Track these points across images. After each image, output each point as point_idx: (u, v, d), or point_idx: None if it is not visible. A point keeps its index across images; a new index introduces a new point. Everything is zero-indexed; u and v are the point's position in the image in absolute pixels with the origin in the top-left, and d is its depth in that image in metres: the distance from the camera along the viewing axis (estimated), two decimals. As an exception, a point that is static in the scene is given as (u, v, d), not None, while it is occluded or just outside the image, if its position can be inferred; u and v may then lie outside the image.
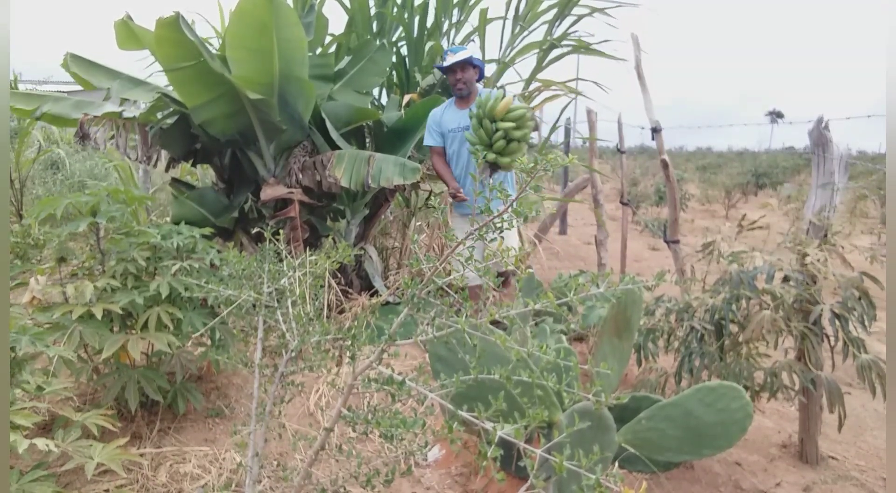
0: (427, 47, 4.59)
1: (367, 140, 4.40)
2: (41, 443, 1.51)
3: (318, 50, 4.32)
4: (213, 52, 3.62)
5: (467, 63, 3.42)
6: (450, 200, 3.49)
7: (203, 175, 6.17)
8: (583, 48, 4.83)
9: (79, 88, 4.05)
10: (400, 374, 1.31)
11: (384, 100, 4.98)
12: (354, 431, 1.44)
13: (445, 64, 3.43)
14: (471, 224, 3.17)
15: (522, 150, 3.09)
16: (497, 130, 3.00)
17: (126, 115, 3.61)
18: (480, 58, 4.14)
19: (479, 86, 3.63)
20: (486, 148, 3.05)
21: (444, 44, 4.79)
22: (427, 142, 3.54)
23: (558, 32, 4.91)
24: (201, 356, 2.57)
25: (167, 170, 4.17)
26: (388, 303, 4.03)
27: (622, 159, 4.92)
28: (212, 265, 2.50)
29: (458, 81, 3.42)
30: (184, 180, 4.55)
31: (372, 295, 4.10)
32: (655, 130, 3.82)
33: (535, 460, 1.09)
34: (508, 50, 5.03)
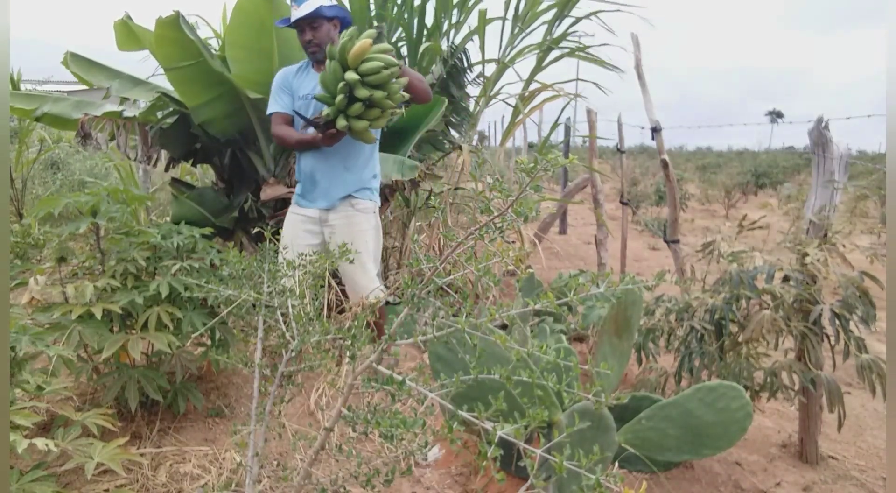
0: (423, 47, 4.59)
1: (367, 140, 4.39)
2: (41, 443, 1.51)
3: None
4: (214, 52, 3.62)
5: (318, 17, 2.56)
6: (295, 196, 2.88)
7: (203, 175, 6.17)
8: (581, 51, 4.83)
9: (79, 86, 4.06)
10: (400, 374, 1.31)
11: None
12: (354, 431, 1.44)
13: (292, 19, 2.61)
14: (317, 225, 2.72)
15: (385, 116, 2.40)
16: (344, 81, 2.27)
17: (126, 114, 3.61)
18: (337, 2, 3.15)
19: None
20: (329, 99, 2.37)
21: (444, 44, 4.79)
22: (271, 108, 2.74)
23: (558, 33, 4.92)
24: (201, 356, 2.57)
25: (167, 170, 4.17)
26: (388, 303, 4.03)
27: (622, 159, 4.92)
28: (212, 265, 2.50)
29: (309, 43, 2.62)
30: (184, 180, 4.55)
31: (372, 295, 4.09)
32: (655, 130, 3.82)
33: (535, 460, 1.09)
34: (508, 50, 5.03)
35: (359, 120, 2.34)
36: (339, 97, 2.29)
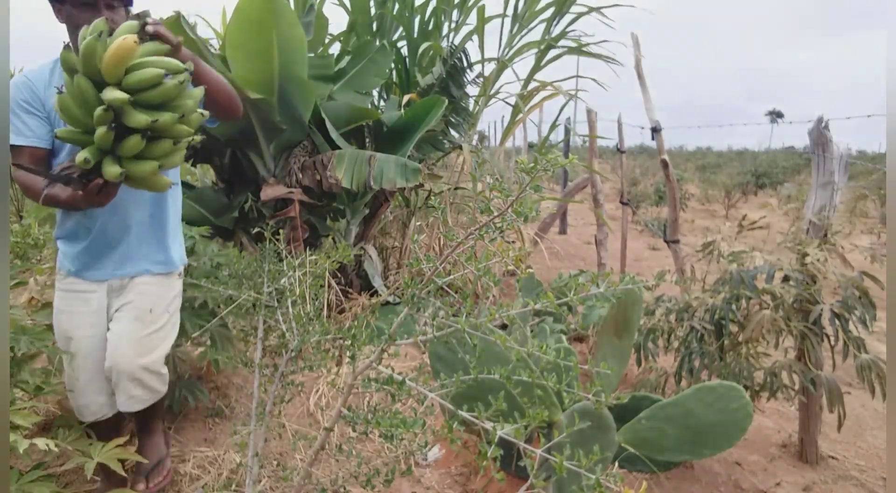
0: (423, 47, 4.59)
1: (367, 140, 4.40)
2: (41, 442, 1.52)
3: (320, 49, 4.33)
4: (214, 52, 3.62)
5: None
6: (66, 266, 1.90)
7: (203, 175, 6.17)
8: (580, 48, 4.84)
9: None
10: (400, 374, 1.32)
11: (384, 101, 4.98)
12: (354, 431, 1.44)
13: None
14: (104, 305, 1.94)
15: (181, 149, 1.54)
16: (105, 106, 1.40)
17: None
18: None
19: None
20: (83, 136, 1.47)
21: (444, 44, 4.79)
22: (13, 140, 1.72)
23: (556, 31, 4.92)
24: (201, 356, 2.57)
25: (167, 170, 4.17)
26: (387, 303, 4.03)
27: (622, 159, 4.92)
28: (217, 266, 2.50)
29: (76, 27, 1.64)
30: (183, 180, 4.55)
31: (372, 295, 4.10)
32: (655, 130, 3.82)
33: (535, 460, 1.09)
34: (507, 50, 5.03)
35: (140, 161, 1.47)
36: (100, 130, 1.40)
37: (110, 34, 1.43)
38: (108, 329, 1.90)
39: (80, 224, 1.86)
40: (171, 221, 2.00)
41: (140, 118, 1.40)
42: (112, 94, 1.37)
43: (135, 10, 1.73)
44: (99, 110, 1.38)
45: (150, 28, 1.47)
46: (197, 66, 1.66)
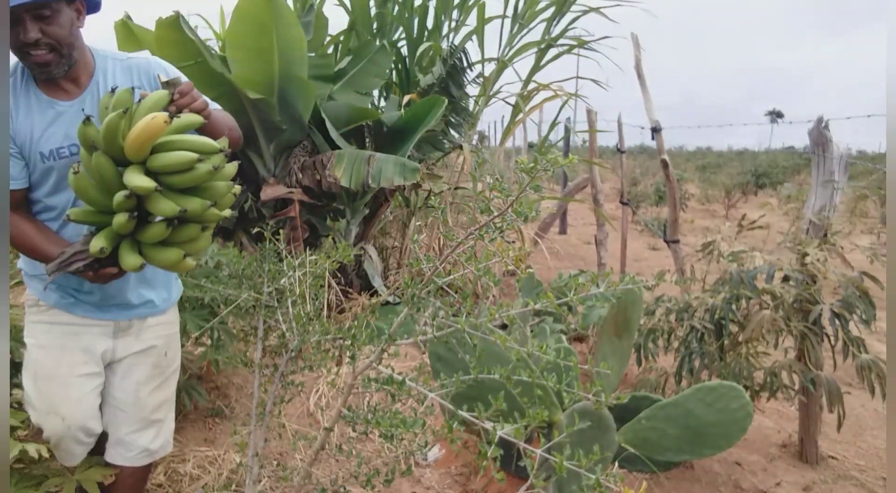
0: (423, 47, 4.59)
1: (367, 140, 4.40)
2: (32, 448, 1.48)
3: (319, 49, 4.33)
4: (214, 52, 3.62)
5: (45, 5, 1.34)
6: (50, 297, 1.56)
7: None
8: (580, 47, 4.84)
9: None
10: (400, 374, 1.32)
11: (383, 102, 4.98)
12: (354, 431, 1.44)
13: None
14: (109, 347, 1.60)
15: (207, 235, 1.38)
16: (128, 192, 1.25)
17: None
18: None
19: (91, 45, 1.53)
20: (99, 216, 1.32)
21: (444, 44, 4.79)
22: None
23: (557, 31, 4.92)
24: (201, 357, 2.57)
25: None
26: (387, 303, 4.03)
27: (622, 159, 4.92)
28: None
29: (31, 47, 1.36)
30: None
31: (372, 295, 4.10)
32: (655, 130, 3.82)
33: (535, 460, 1.09)
34: (507, 49, 5.03)
35: (163, 249, 1.33)
36: (121, 218, 1.25)
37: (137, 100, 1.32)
38: (112, 374, 1.63)
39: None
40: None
41: (167, 207, 1.25)
42: (137, 180, 1.22)
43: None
44: (120, 196, 1.23)
45: (180, 101, 1.34)
46: (211, 117, 1.45)
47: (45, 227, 1.49)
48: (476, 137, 6.44)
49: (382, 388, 1.32)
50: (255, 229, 2.59)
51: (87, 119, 1.25)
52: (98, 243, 1.26)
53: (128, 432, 1.64)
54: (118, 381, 1.63)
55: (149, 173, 1.25)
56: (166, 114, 1.24)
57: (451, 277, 1.36)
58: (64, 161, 1.45)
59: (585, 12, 4.85)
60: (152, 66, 1.56)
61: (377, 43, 4.27)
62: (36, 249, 1.43)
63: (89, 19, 1.49)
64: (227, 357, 2.45)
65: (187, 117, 1.33)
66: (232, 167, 1.37)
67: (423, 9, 4.67)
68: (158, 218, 1.29)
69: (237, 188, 1.38)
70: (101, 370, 1.60)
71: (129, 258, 1.29)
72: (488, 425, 1.14)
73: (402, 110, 4.41)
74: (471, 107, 4.78)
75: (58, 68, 1.41)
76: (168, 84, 1.34)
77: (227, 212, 1.36)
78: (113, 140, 1.25)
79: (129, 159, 1.25)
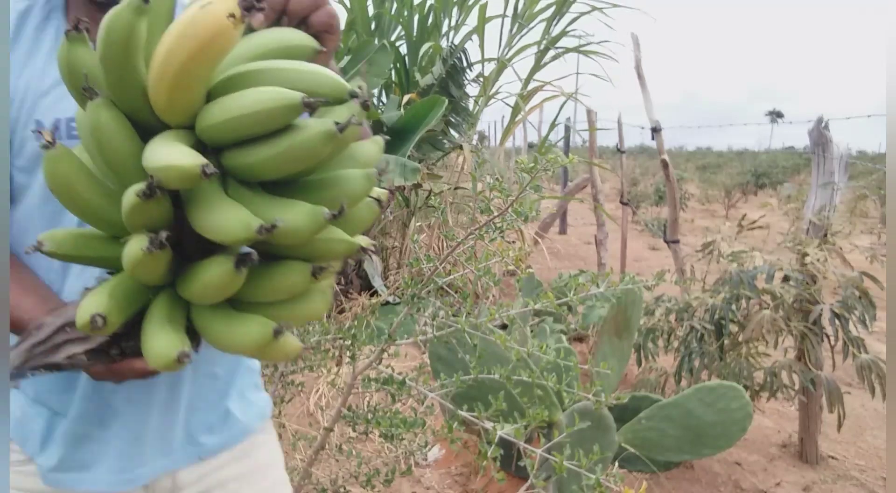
0: (423, 47, 4.59)
1: (367, 140, 4.40)
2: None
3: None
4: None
5: None
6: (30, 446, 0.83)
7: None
8: (579, 47, 4.84)
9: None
10: (400, 374, 1.32)
11: (383, 99, 4.98)
12: (354, 431, 1.44)
13: None
14: None
15: (321, 291, 0.66)
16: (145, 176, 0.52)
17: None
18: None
19: None
20: (100, 245, 0.63)
21: (444, 44, 4.79)
22: None
23: (556, 31, 4.92)
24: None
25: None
26: (387, 303, 4.03)
27: (622, 159, 4.92)
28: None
29: None
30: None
31: (372, 295, 4.10)
32: (655, 130, 3.82)
33: (535, 460, 1.09)
34: (507, 49, 5.03)
35: (235, 315, 0.63)
36: (136, 247, 0.55)
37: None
38: None
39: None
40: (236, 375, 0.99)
41: (234, 219, 0.57)
42: (171, 157, 0.53)
43: None
44: (133, 196, 0.53)
45: None
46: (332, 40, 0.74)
47: (24, 268, 0.80)
48: (476, 137, 6.44)
49: (382, 388, 1.32)
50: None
51: (76, 27, 0.57)
52: (92, 306, 0.56)
53: None
54: None
55: (200, 145, 0.58)
56: (238, 5, 0.52)
57: (451, 277, 1.36)
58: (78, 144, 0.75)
59: (585, 13, 4.86)
60: None
61: (376, 42, 4.28)
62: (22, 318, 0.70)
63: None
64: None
65: (290, 32, 0.66)
66: (375, 147, 0.70)
67: (423, 8, 4.68)
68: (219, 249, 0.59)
69: (383, 193, 0.70)
70: None
71: (160, 341, 0.58)
72: (488, 425, 1.14)
73: (402, 110, 4.41)
74: (471, 107, 4.78)
75: None
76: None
77: (366, 240, 0.68)
78: (123, 67, 0.56)
79: (159, 114, 0.57)
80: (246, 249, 0.59)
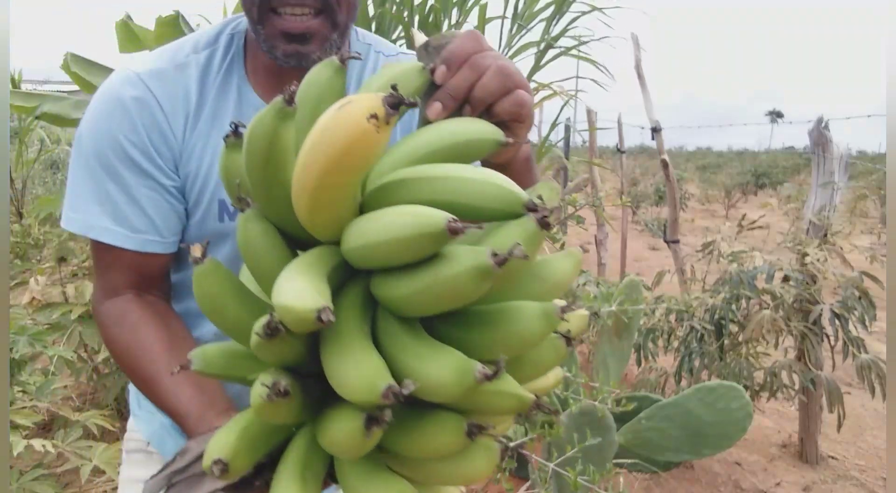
0: None
1: (367, 140, 4.40)
2: (38, 444, 1.50)
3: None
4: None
5: None
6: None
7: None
8: (578, 48, 4.84)
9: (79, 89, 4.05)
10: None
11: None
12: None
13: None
14: None
15: (488, 449, 0.53)
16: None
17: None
18: None
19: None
20: (246, 366, 0.55)
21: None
22: (98, 234, 0.76)
23: (556, 31, 4.92)
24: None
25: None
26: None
27: (622, 159, 4.92)
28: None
29: (289, 8, 0.73)
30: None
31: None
32: (655, 130, 3.82)
33: (536, 466, 1.09)
34: (506, 50, 5.03)
35: (378, 475, 0.53)
36: (260, 394, 0.46)
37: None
38: None
39: None
40: None
41: (370, 367, 0.46)
42: (292, 294, 0.44)
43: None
44: (254, 336, 0.46)
45: (452, 81, 0.56)
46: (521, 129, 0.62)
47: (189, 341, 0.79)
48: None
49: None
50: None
51: (235, 131, 0.57)
52: (216, 450, 0.51)
53: None
54: None
55: (348, 267, 0.52)
56: (382, 103, 0.43)
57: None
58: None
59: (586, 13, 4.86)
60: None
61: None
62: (156, 389, 0.72)
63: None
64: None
65: (469, 123, 0.56)
66: (570, 260, 0.57)
67: (423, 9, 4.68)
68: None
69: (578, 325, 0.57)
70: None
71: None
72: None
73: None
74: (471, 107, 4.78)
75: (321, 47, 0.74)
76: (427, 49, 0.60)
77: (552, 377, 0.62)
78: (267, 178, 0.52)
79: (305, 226, 0.51)
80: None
